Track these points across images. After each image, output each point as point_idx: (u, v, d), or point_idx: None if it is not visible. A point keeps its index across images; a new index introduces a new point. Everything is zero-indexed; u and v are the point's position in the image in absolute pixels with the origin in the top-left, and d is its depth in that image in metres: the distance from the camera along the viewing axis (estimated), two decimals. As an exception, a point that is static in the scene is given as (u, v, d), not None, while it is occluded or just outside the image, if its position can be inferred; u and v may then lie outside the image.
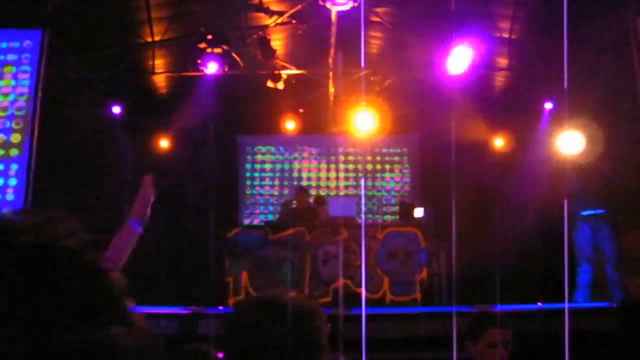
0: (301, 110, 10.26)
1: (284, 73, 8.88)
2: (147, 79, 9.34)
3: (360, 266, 7.23)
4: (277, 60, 8.83)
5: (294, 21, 8.40)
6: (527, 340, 4.18)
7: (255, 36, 8.39)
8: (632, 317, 5.98)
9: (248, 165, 11.19)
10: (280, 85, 8.88)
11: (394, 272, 7.48)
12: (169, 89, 9.90)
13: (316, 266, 7.42)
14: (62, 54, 7.28)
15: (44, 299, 0.61)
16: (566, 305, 4.64)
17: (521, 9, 7.70)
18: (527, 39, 8.20)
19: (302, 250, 7.43)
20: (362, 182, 11.05)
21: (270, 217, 10.71)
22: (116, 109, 9.26)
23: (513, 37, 8.20)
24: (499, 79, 9.76)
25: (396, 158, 11.23)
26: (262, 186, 11.16)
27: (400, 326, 5.83)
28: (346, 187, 11.02)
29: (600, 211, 6.77)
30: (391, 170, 11.19)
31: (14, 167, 6.24)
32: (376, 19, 8.49)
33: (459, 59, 7.54)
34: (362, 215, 10.14)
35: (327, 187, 11.00)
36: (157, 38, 8.35)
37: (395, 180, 11.17)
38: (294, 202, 8.60)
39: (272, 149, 11.22)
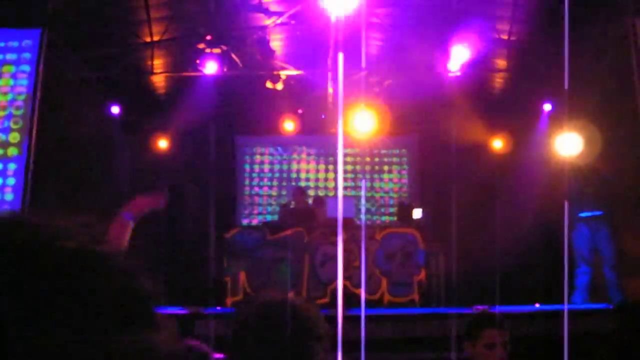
0: (300, 111, 10.26)
1: (283, 74, 8.88)
2: (146, 79, 9.33)
3: (358, 267, 7.22)
4: (276, 61, 8.83)
5: (293, 22, 8.40)
6: (525, 342, 4.18)
7: (254, 37, 8.40)
8: (630, 318, 5.99)
9: (247, 166, 11.18)
10: (279, 86, 8.88)
11: (392, 273, 7.48)
12: (168, 89, 9.89)
13: (314, 267, 7.41)
14: (61, 54, 7.28)
15: (89, 304, 0.62)
16: (565, 306, 4.65)
17: (520, 10, 7.71)
18: (526, 40, 8.21)
19: (301, 251, 7.43)
20: (363, 183, 11.05)
21: (269, 217, 10.70)
22: (115, 109, 9.25)
23: (512, 38, 8.20)
24: (498, 81, 9.77)
25: (395, 159, 11.23)
26: (260, 187, 11.16)
27: (399, 327, 5.83)
28: (345, 188, 11.02)
29: (598, 212, 6.77)
30: (390, 171, 11.19)
31: (13, 166, 6.23)
32: (376, 20, 8.50)
33: (458, 59, 7.55)
34: (362, 216, 10.14)
35: (326, 188, 10.99)
36: (156, 38, 8.34)
37: (394, 181, 11.17)
38: (292, 202, 8.61)
39: (271, 149, 11.22)
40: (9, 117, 6.35)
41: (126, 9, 7.87)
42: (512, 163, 9.39)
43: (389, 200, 11.08)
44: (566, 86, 6.34)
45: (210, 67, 8.00)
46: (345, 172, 11.08)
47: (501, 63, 9.09)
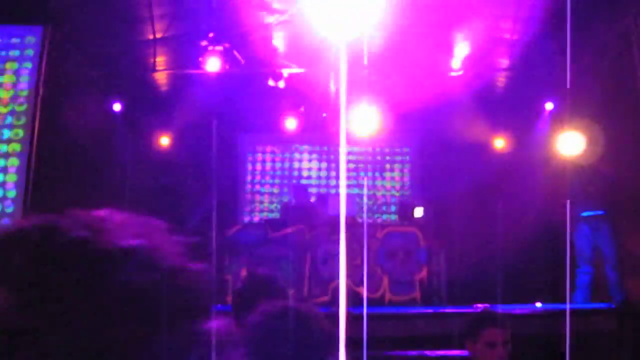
0: (302, 109, 10.26)
1: (286, 71, 8.87)
2: (148, 76, 9.33)
3: (359, 265, 7.22)
4: (279, 59, 8.82)
5: (295, 19, 8.39)
6: (526, 341, 4.18)
7: (257, 34, 8.39)
8: (631, 317, 5.99)
9: (248, 164, 11.18)
10: (282, 84, 8.88)
11: (394, 272, 7.48)
12: (170, 86, 9.89)
13: (315, 265, 7.42)
14: (63, 51, 7.28)
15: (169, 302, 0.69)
16: (567, 306, 4.65)
17: (523, 9, 7.70)
18: (528, 39, 8.20)
19: (302, 249, 7.44)
20: (364, 182, 11.05)
21: (270, 215, 10.71)
22: (117, 106, 9.25)
23: (515, 37, 8.19)
24: (500, 80, 9.76)
25: (397, 157, 11.23)
26: (262, 184, 11.16)
27: (400, 325, 5.83)
28: (347, 186, 11.02)
29: (600, 212, 6.77)
30: (391, 170, 11.19)
31: (15, 162, 6.24)
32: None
33: (460, 57, 7.55)
34: (364, 214, 10.14)
35: (327, 186, 11.00)
36: (158, 35, 8.34)
37: (396, 179, 11.17)
38: (294, 200, 8.61)
39: (273, 147, 11.22)
40: (12, 113, 6.36)
41: (128, 5, 7.86)
42: (514, 162, 9.38)
43: (390, 198, 11.08)
44: (568, 85, 6.33)
45: (213, 65, 8.00)
46: (347, 170, 11.08)
47: (504, 62, 9.08)
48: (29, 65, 6.43)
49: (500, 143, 9.99)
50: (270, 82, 8.87)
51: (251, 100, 9.78)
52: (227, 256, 7.55)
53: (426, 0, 7.29)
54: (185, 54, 8.75)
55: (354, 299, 6.60)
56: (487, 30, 8.02)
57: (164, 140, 10.12)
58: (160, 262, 0.70)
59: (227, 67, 8.14)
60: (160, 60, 8.95)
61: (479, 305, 5.26)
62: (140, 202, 9.03)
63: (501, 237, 7.98)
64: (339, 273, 7.09)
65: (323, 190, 10.69)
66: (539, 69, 8.33)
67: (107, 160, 8.99)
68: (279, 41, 8.89)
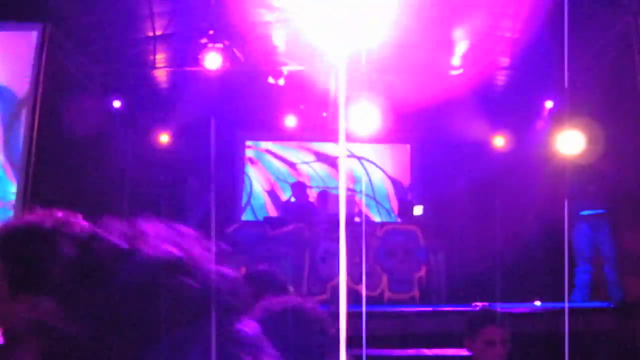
0: (302, 107, 10.25)
1: (285, 69, 8.86)
2: (147, 73, 9.32)
3: (359, 263, 7.22)
4: (279, 57, 8.82)
5: (295, 17, 8.38)
6: (525, 340, 4.18)
7: (256, 32, 8.38)
8: (630, 316, 5.99)
9: (248, 161, 11.18)
10: (282, 82, 8.87)
11: (393, 270, 7.48)
12: (170, 83, 9.88)
13: (315, 263, 7.42)
14: (62, 48, 7.27)
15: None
16: (566, 304, 4.65)
17: (523, 7, 7.69)
18: (528, 38, 8.19)
19: (301, 247, 7.44)
20: (364, 180, 11.05)
21: (270, 213, 10.71)
22: (116, 103, 9.24)
23: (515, 36, 8.19)
24: (500, 78, 9.76)
25: (397, 155, 11.23)
26: (261, 182, 11.16)
27: (399, 324, 5.83)
28: (346, 184, 11.02)
29: (599, 211, 6.77)
30: (392, 168, 11.19)
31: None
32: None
33: (462, 56, 7.55)
34: (363, 213, 10.14)
35: (327, 184, 10.99)
36: (158, 32, 8.33)
37: (396, 177, 11.17)
38: (293, 198, 8.61)
39: (272, 144, 11.21)
40: (12, 112, 6.35)
41: (128, 3, 7.85)
42: (514, 160, 9.38)
43: (390, 196, 11.08)
44: (566, 84, 6.33)
45: (212, 62, 7.98)
46: (346, 168, 11.08)
47: (504, 60, 9.07)
48: (28, 62, 6.42)
49: (500, 142, 9.98)
50: (270, 80, 8.86)
51: (251, 97, 9.77)
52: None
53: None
54: (185, 52, 8.74)
55: (353, 297, 6.60)
56: (488, 29, 8.01)
57: (164, 138, 10.11)
58: (198, 269, 0.73)
59: (227, 64, 8.13)
60: (160, 57, 8.94)
61: (478, 303, 5.27)
62: (139, 199, 9.04)
63: (500, 236, 7.99)
64: (338, 271, 7.09)
65: (317, 189, 10.68)
66: (539, 68, 8.33)
67: (106, 158, 8.98)
68: (278, 39, 8.88)
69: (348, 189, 10.90)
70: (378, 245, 7.55)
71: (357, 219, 8.79)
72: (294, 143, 11.11)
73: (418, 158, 10.98)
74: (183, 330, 0.69)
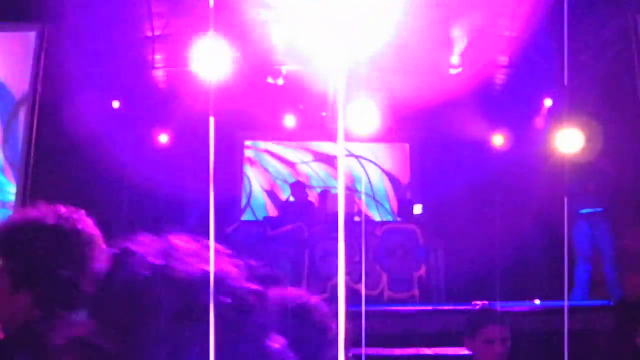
0: (301, 106, 10.25)
1: (284, 69, 8.86)
2: (146, 73, 9.32)
3: (358, 263, 7.23)
4: (277, 56, 8.81)
5: (293, 16, 8.38)
6: (525, 338, 4.18)
7: (255, 31, 8.37)
8: (630, 315, 5.99)
9: (247, 161, 11.18)
10: (280, 81, 8.87)
11: (393, 269, 7.48)
12: (169, 84, 9.88)
13: (314, 262, 7.42)
14: (62, 49, 7.26)
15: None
16: (565, 303, 4.65)
17: (521, 6, 7.69)
18: (527, 36, 8.19)
19: (301, 246, 7.44)
20: (363, 179, 11.05)
21: (270, 213, 10.70)
22: (115, 104, 9.24)
23: (514, 34, 8.19)
24: (499, 77, 9.76)
25: (397, 154, 11.23)
26: (261, 182, 11.16)
27: (399, 323, 5.83)
28: (346, 183, 11.03)
29: (599, 209, 6.77)
30: (391, 167, 11.19)
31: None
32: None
33: (460, 55, 7.54)
34: (362, 212, 10.14)
35: (327, 184, 10.99)
36: (157, 33, 8.33)
37: (395, 176, 11.17)
38: (293, 197, 8.61)
39: (272, 144, 11.21)
40: (10, 112, 6.35)
41: (127, 3, 7.85)
42: (513, 159, 9.38)
43: (389, 196, 11.08)
44: (566, 82, 6.33)
45: (212, 62, 7.97)
46: (346, 168, 11.08)
47: (503, 59, 9.07)
48: (27, 63, 6.42)
49: (499, 140, 9.99)
50: (269, 80, 8.86)
51: (250, 97, 9.77)
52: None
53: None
54: (184, 52, 8.73)
55: (353, 297, 6.60)
56: (486, 28, 8.01)
57: (163, 138, 10.10)
58: (230, 287, 0.74)
59: (226, 64, 8.12)
60: (159, 57, 8.94)
61: (478, 302, 5.27)
62: (138, 199, 9.04)
63: (500, 235, 7.99)
64: (337, 271, 7.09)
65: (322, 189, 10.69)
66: (538, 67, 8.33)
67: (105, 158, 8.98)
68: (277, 38, 8.88)
69: (348, 189, 10.91)
70: (378, 244, 7.55)
71: (357, 219, 8.80)
72: (293, 143, 11.11)
73: (417, 157, 10.98)
74: (218, 347, 0.69)
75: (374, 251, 7.51)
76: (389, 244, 7.57)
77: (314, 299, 1.70)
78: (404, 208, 9.01)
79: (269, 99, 9.68)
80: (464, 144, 9.56)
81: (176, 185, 9.64)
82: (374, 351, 4.69)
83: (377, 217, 10.78)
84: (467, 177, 9.14)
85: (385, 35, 7.61)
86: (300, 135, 10.78)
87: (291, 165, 11.20)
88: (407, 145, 11.17)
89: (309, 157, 11.20)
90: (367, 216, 10.52)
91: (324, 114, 9.91)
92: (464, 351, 3.32)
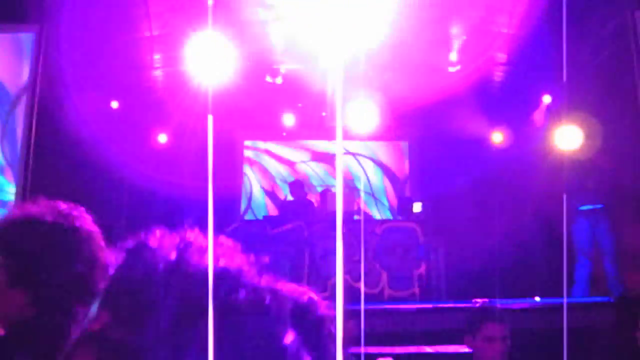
0: (300, 105, 10.25)
1: (283, 68, 8.86)
2: (145, 74, 9.31)
3: (358, 261, 7.23)
4: (276, 55, 8.81)
5: (292, 15, 8.37)
6: (525, 335, 4.18)
7: (253, 30, 8.37)
8: (630, 311, 6.00)
9: (246, 160, 11.18)
10: (279, 80, 8.86)
11: (393, 267, 7.48)
12: (167, 84, 9.87)
13: (314, 261, 7.42)
14: (60, 49, 7.26)
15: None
16: (565, 300, 4.65)
17: (520, 3, 7.69)
18: (526, 33, 8.19)
19: (301, 245, 7.44)
20: (361, 177, 11.05)
21: (269, 213, 10.70)
22: (114, 104, 9.23)
23: (512, 31, 8.18)
24: (498, 74, 9.75)
25: (395, 153, 11.23)
26: (261, 182, 11.16)
27: (399, 321, 5.83)
28: (345, 181, 11.02)
29: (598, 206, 6.77)
30: (390, 165, 11.19)
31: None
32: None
33: (459, 52, 7.54)
34: (361, 210, 10.14)
35: (326, 183, 11.00)
36: (155, 32, 8.32)
37: (394, 174, 11.17)
38: (290, 196, 8.60)
39: (271, 143, 11.21)
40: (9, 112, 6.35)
41: (125, 3, 7.84)
42: (512, 156, 9.38)
43: (389, 194, 11.08)
44: (565, 79, 6.33)
45: (210, 62, 7.97)
46: (344, 166, 11.08)
47: (501, 56, 9.07)
48: (25, 63, 6.41)
49: (498, 137, 9.98)
50: (268, 79, 8.85)
51: (249, 96, 9.76)
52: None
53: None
54: (182, 52, 8.72)
55: (352, 295, 6.60)
56: (485, 25, 8.01)
57: (161, 138, 10.10)
58: (244, 282, 0.73)
59: (225, 64, 8.12)
60: (157, 57, 8.93)
61: (478, 300, 5.27)
62: (137, 199, 9.03)
63: (500, 232, 7.99)
64: (337, 271, 7.09)
65: (321, 187, 10.68)
66: (536, 63, 8.33)
67: (104, 158, 8.97)
68: (275, 37, 8.87)
69: (347, 187, 10.91)
70: (377, 242, 7.55)
71: (356, 217, 8.80)
72: (292, 142, 11.10)
73: (416, 155, 10.98)
74: (234, 344, 0.69)
75: (374, 249, 7.51)
76: (388, 242, 7.57)
77: (318, 297, 1.70)
78: (404, 206, 9.00)
79: (268, 98, 9.67)
80: (462, 142, 9.56)
81: (175, 186, 9.64)
82: (374, 349, 4.69)
83: (376, 215, 10.78)
84: (466, 175, 9.14)
85: (383, 33, 7.61)
86: (299, 134, 10.78)
87: (290, 164, 11.20)
88: (406, 143, 11.17)
89: (308, 156, 11.20)
90: (366, 214, 10.52)
91: (323, 114, 9.91)
92: (464, 349, 3.33)
